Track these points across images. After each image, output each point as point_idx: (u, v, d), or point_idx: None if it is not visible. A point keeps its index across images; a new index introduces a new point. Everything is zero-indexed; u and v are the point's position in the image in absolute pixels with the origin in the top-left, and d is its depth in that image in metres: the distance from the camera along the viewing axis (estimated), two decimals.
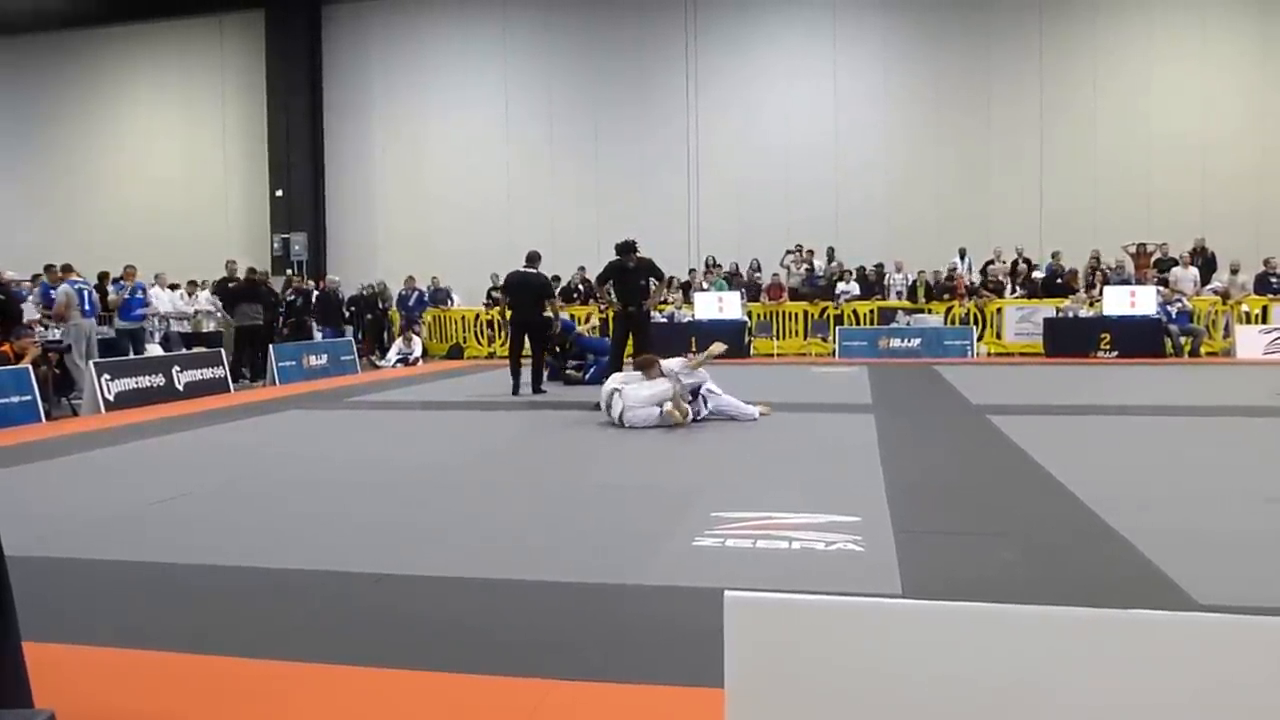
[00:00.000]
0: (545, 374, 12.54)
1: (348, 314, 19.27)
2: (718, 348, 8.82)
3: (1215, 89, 19.24)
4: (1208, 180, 19.05)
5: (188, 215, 23.73)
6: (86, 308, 11.80)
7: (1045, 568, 3.90)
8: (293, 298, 17.35)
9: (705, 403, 8.48)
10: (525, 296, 11.35)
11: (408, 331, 17.96)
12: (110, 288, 14.23)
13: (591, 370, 12.37)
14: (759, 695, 1.63)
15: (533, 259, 11.43)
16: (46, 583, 3.89)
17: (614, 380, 8.60)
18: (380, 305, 19.81)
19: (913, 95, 20.55)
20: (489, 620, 3.37)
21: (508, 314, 11.71)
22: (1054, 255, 18.41)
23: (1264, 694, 1.47)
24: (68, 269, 12.71)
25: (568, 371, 12.85)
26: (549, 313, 11.76)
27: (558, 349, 13.23)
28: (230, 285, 16.07)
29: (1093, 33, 19.73)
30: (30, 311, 12.80)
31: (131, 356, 12.40)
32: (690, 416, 8.19)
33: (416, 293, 19.74)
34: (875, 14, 20.71)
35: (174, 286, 18.00)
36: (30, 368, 10.14)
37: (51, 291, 12.83)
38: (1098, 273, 17.68)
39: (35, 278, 15.07)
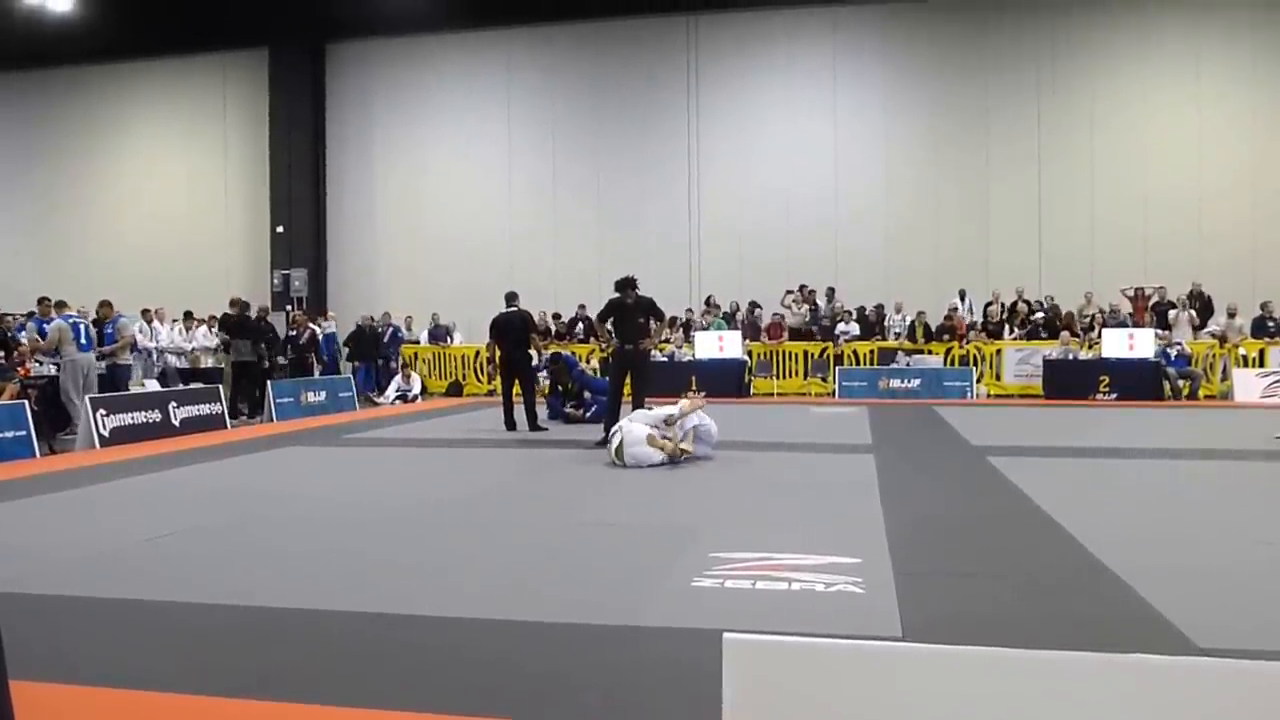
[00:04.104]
0: (547, 412, 12.62)
1: (346, 350, 19.29)
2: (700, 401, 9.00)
3: (1210, 138, 19.44)
4: (1203, 226, 19.19)
5: (189, 250, 23.82)
6: (83, 341, 11.77)
7: (1045, 610, 3.88)
8: (294, 333, 17.38)
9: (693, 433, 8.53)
10: (511, 335, 11.66)
11: (407, 368, 17.97)
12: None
13: (592, 409, 12.37)
14: None
15: (511, 298, 11.94)
16: (36, 620, 3.85)
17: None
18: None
19: (912, 138, 20.77)
20: (485, 661, 3.34)
21: (496, 354, 11.93)
22: (1047, 298, 18.53)
23: None
24: (61, 304, 12.71)
25: (567, 410, 12.84)
26: (531, 349, 12.13)
27: (561, 388, 13.23)
28: (225, 321, 16.11)
29: (1090, 81, 19.97)
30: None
31: (129, 392, 12.35)
32: (681, 453, 8.25)
33: (391, 329, 19.69)
34: (875, 57, 21.00)
35: (186, 316, 18.06)
36: (26, 402, 10.12)
37: (45, 325, 12.86)
38: (1093, 316, 17.74)
39: (30, 314, 15.07)
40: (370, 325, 19.21)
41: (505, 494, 7.27)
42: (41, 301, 14.09)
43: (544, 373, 14.10)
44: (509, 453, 9.84)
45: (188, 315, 18.42)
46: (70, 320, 11.94)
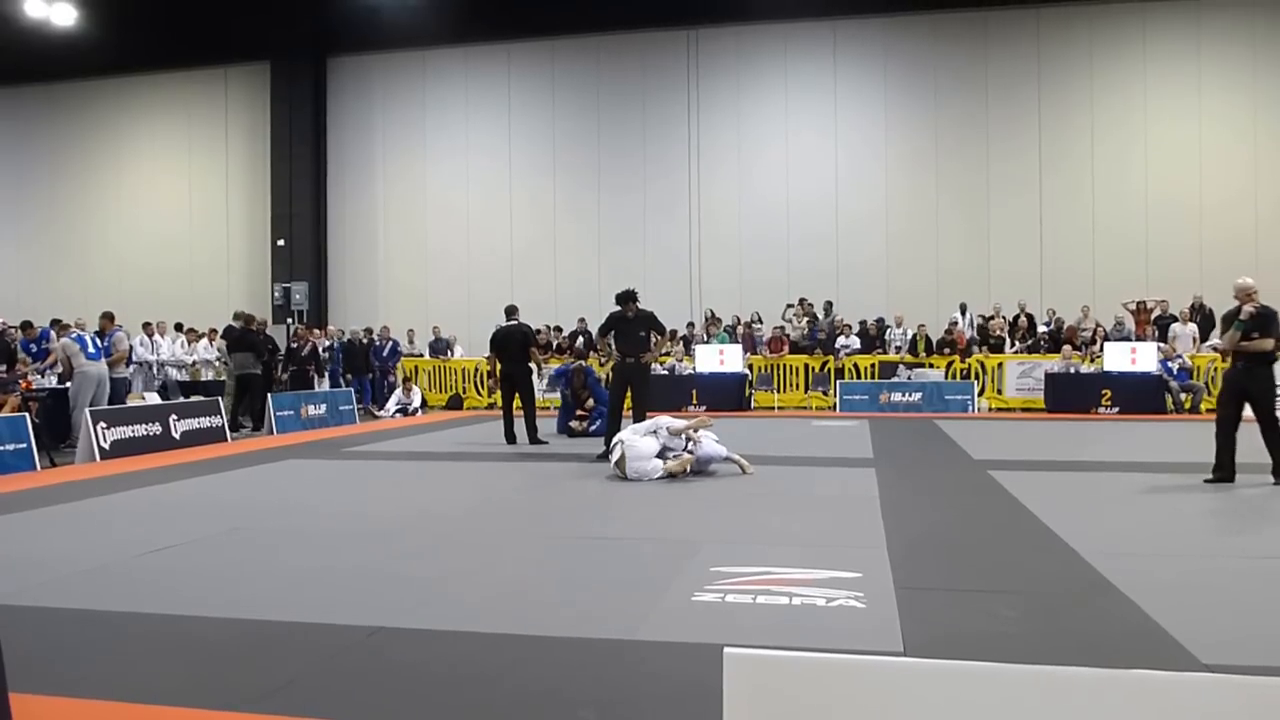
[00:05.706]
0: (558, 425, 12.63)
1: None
2: (707, 420, 9.00)
3: (1211, 150, 19.49)
4: (1205, 238, 19.21)
5: (190, 264, 23.89)
6: (90, 351, 11.77)
7: (1047, 624, 3.86)
8: (295, 346, 17.38)
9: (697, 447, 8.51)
10: (511, 349, 11.67)
11: (408, 382, 17.96)
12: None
13: (596, 424, 12.35)
14: None
15: (511, 312, 12.01)
16: (36, 633, 3.84)
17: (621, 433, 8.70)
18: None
19: (913, 150, 20.82)
20: (484, 675, 3.32)
21: (497, 368, 11.95)
22: (1050, 311, 18.53)
23: None
24: (66, 326, 12.75)
25: (570, 424, 12.81)
26: (532, 363, 12.12)
27: (575, 400, 13.19)
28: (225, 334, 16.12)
29: (1091, 93, 20.04)
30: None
31: (127, 405, 12.34)
32: (688, 469, 8.23)
33: (391, 342, 19.67)
34: (876, 70, 21.07)
35: (181, 328, 18.08)
36: (27, 415, 10.12)
37: (32, 346, 12.94)
38: (1094, 329, 17.72)
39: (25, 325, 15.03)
40: (360, 339, 19.21)
41: (505, 507, 7.26)
42: (26, 327, 14.05)
43: (558, 390, 14.04)
44: (509, 466, 9.83)
45: (179, 327, 18.42)
46: (73, 337, 11.96)
